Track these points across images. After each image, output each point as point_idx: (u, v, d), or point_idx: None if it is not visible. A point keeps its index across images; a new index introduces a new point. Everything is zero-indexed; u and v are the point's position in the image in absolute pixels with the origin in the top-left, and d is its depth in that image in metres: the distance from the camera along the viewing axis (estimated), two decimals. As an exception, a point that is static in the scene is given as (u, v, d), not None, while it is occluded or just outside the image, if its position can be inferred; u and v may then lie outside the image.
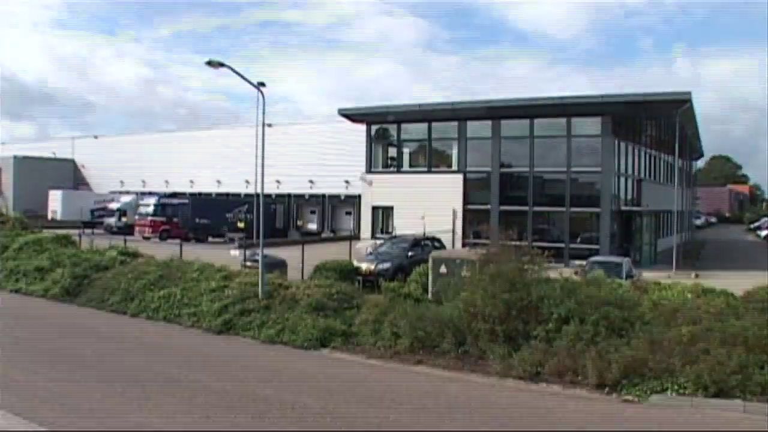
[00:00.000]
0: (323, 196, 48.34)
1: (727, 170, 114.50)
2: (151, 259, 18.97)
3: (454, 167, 31.99)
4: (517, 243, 13.25)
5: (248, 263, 18.73)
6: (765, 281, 13.70)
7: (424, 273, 16.41)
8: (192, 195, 52.32)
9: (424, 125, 32.56)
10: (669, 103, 28.30)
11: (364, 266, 20.62)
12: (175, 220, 40.95)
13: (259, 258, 15.28)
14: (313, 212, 49.61)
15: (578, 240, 28.79)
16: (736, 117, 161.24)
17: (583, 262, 19.37)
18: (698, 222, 66.95)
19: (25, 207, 47.69)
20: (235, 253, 22.30)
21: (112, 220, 44.56)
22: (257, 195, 21.47)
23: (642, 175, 34.24)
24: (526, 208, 29.83)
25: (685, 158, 43.90)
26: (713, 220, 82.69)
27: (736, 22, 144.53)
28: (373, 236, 31.44)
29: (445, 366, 11.18)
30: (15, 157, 58.30)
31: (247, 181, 46.04)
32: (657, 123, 35.77)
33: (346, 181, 44.49)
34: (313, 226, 48.72)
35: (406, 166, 34.02)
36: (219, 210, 43.12)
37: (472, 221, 30.81)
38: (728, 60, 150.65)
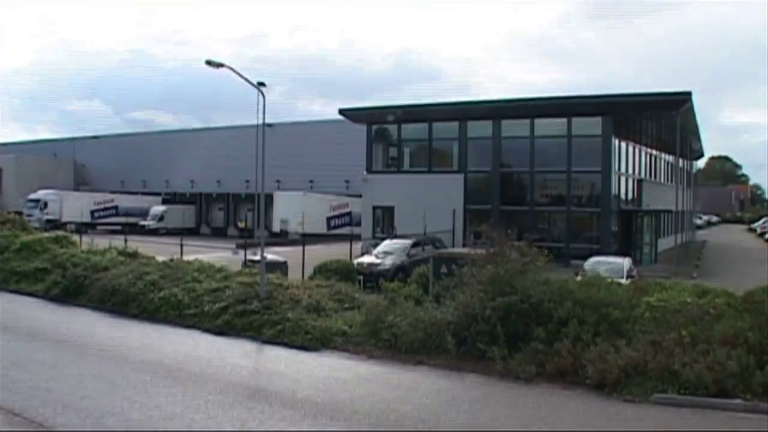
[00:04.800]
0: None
1: (727, 170, 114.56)
2: (151, 260, 18.99)
3: (455, 167, 32.02)
4: (517, 243, 13.26)
5: (248, 263, 18.76)
6: (765, 281, 13.70)
7: (425, 273, 16.41)
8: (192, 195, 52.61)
9: (425, 125, 32.59)
10: (669, 103, 28.33)
11: (365, 263, 20.64)
12: None
13: (260, 258, 15.29)
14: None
15: (578, 240, 28.79)
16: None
17: (584, 262, 19.36)
18: (699, 222, 66.97)
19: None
20: (236, 253, 22.30)
21: None
22: (257, 195, 21.49)
23: (642, 175, 34.26)
24: (526, 208, 29.86)
25: (686, 158, 43.91)
26: (714, 219, 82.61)
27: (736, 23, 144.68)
28: (374, 236, 31.46)
29: (446, 366, 11.18)
30: (15, 157, 58.32)
31: (247, 181, 46.12)
32: (657, 123, 35.80)
33: (347, 181, 44.52)
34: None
35: (406, 166, 34.05)
36: None
37: (473, 221, 30.81)
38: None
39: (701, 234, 58.82)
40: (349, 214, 42.61)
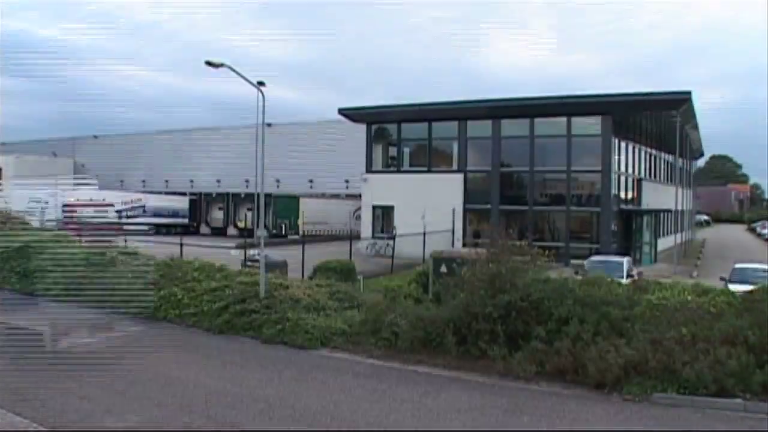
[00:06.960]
0: (323, 195, 48.38)
1: (727, 170, 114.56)
2: (151, 259, 18.96)
3: (454, 167, 32.01)
4: (517, 242, 13.26)
5: (248, 263, 18.75)
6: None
7: (425, 273, 16.41)
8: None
9: (424, 125, 32.59)
10: (669, 103, 28.33)
11: None
12: None
13: (260, 258, 15.27)
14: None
15: (578, 239, 28.80)
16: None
17: (583, 262, 19.38)
18: (698, 222, 66.99)
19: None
20: (236, 252, 22.29)
21: None
22: (257, 195, 21.47)
23: (642, 174, 34.26)
24: (526, 207, 29.85)
25: (685, 157, 43.92)
26: (706, 218, 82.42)
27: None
28: (374, 236, 31.45)
29: (446, 365, 11.18)
30: (15, 157, 58.25)
31: (247, 181, 46.08)
32: (657, 122, 35.81)
33: (346, 181, 44.54)
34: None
35: (406, 166, 34.06)
36: None
37: (472, 221, 30.84)
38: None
39: (700, 234, 58.83)
40: (143, 207, 47.72)
